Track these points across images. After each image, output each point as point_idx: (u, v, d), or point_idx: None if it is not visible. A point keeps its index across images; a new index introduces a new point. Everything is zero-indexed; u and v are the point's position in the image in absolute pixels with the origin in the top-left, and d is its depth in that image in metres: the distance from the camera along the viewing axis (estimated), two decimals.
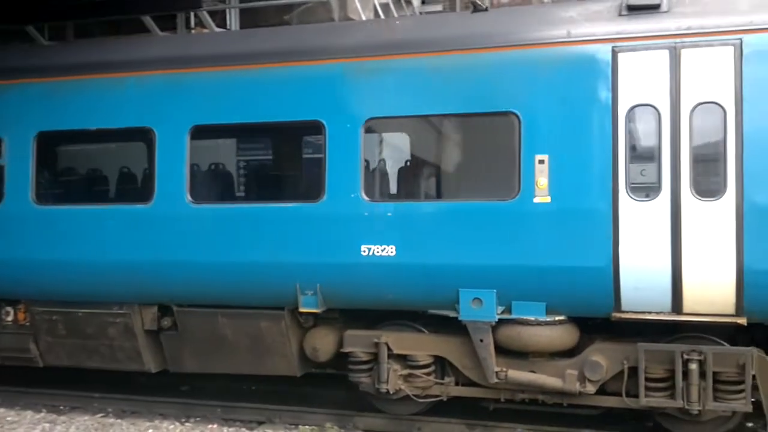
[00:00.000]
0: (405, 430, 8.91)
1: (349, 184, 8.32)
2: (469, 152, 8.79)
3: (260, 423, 9.22)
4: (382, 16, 11.65)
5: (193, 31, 11.24)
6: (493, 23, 8.44)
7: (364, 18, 11.13)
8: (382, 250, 8.17)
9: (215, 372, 9.44)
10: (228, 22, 11.61)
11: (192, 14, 11.17)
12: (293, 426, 9.04)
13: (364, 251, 8.22)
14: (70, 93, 9.53)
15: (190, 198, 8.89)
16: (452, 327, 8.32)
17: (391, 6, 11.98)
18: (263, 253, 8.60)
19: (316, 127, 8.57)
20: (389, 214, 8.23)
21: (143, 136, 9.33)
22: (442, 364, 8.60)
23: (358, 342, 8.71)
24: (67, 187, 10.47)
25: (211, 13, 10.91)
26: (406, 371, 8.55)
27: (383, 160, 9.24)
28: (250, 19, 11.71)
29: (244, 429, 9.00)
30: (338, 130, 8.42)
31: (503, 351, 8.21)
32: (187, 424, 9.24)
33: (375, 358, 8.64)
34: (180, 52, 9.49)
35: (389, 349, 8.53)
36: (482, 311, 7.98)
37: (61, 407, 10.12)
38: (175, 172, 8.94)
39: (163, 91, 9.18)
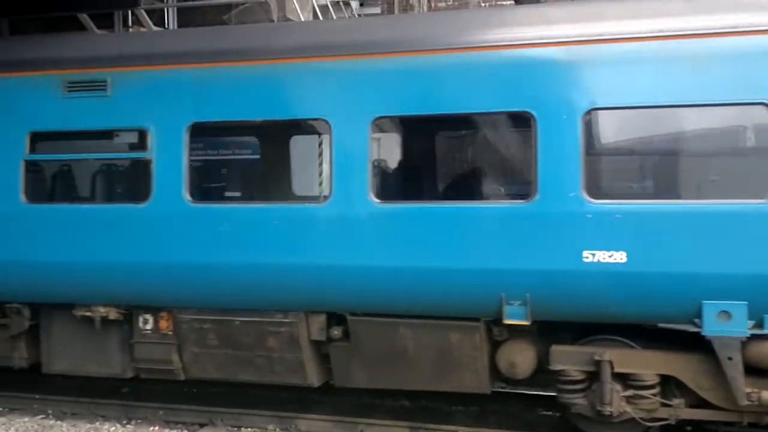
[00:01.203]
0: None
1: (567, 180, 7.48)
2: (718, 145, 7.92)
3: (202, 425, 9.28)
4: (321, 18, 11.78)
5: (130, 30, 11.22)
6: None
7: (303, 19, 11.24)
8: (610, 257, 7.39)
9: (389, 387, 8.87)
10: (166, 21, 11.61)
11: (130, 13, 11.15)
12: (235, 428, 9.11)
13: (587, 257, 7.44)
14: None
15: (374, 196, 8.07)
16: (672, 342, 7.70)
17: (330, 8, 12.09)
18: (461, 258, 7.79)
19: (523, 119, 7.79)
20: (618, 215, 7.38)
21: (312, 128, 9.25)
22: (668, 384, 7.82)
23: (571, 359, 7.90)
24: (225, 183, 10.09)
25: (149, 12, 10.91)
26: (629, 392, 7.77)
27: (611, 152, 8.27)
28: (188, 17, 11.72)
29: (186, 431, 9.11)
30: (551, 121, 7.57)
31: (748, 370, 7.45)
32: (128, 426, 9.30)
33: (590, 376, 7.91)
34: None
35: (611, 367, 7.79)
36: (731, 326, 7.20)
37: (0, 408, 10.07)
38: (356, 168, 8.14)
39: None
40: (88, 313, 9.21)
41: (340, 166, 8.09)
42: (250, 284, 8.44)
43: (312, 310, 8.55)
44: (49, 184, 10.16)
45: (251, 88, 8.41)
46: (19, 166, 9.15)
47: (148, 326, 9.23)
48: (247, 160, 11.56)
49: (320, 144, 10.10)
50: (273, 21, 10.62)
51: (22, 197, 9.16)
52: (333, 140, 8.11)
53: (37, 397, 10.25)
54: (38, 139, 9.27)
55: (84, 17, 10.41)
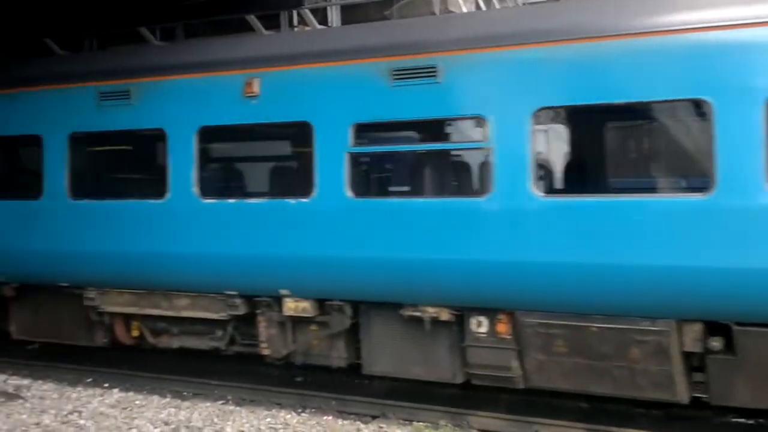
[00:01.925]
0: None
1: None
2: None
3: (374, 417, 9.47)
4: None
5: (295, 29, 11.55)
6: None
7: (464, 10, 11.21)
8: None
9: None
10: (329, 20, 11.85)
11: (295, 12, 11.46)
12: (407, 422, 9.24)
13: None
14: None
15: None
16: None
17: None
18: None
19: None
20: None
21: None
22: None
23: None
24: None
25: (313, 11, 11.17)
26: None
27: None
28: (351, 15, 11.92)
29: (358, 422, 9.32)
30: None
31: None
32: (303, 414, 9.65)
33: None
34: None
35: None
36: None
37: (185, 393, 10.68)
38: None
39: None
40: (417, 313, 8.91)
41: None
42: (612, 287, 7.78)
43: (685, 318, 7.78)
44: (375, 178, 10.31)
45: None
46: (342, 158, 9.09)
47: (482, 329, 8.72)
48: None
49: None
50: (435, 14, 10.66)
51: (347, 191, 9.06)
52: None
53: (216, 383, 10.81)
54: (363, 130, 9.16)
55: (251, 18, 10.76)
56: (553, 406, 9.32)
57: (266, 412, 9.71)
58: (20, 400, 10.32)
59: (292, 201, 9.40)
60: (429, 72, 8.65)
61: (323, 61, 9.35)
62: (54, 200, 11.01)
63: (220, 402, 10.26)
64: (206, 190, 10.01)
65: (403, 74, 8.77)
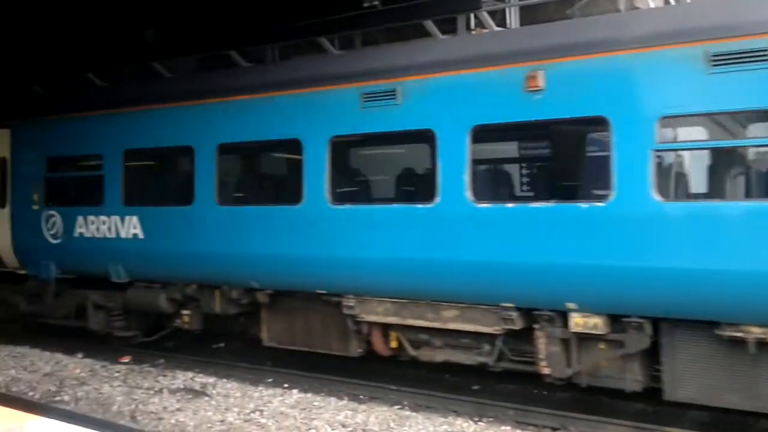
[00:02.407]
0: None
1: None
2: None
3: (554, 429, 9.17)
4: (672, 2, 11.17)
5: (472, 32, 11.43)
6: None
7: (652, 6, 10.71)
8: None
9: None
10: (508, 21, 11.66)
11: (472, 15, 11.35)
12: None
13: None
14: None
15: None
16: None
17: None
18: None
19: None
20: None
21: None
22: None
23: None
24: None
25: (491, 13, 11.02)
26: None
27: None
28: (530, 16, 11.67)
29: None
30: None
31: None
32: (480, 423, 9.44)
33: None
34: None
35: None
36: None
37: (361, 396, 10.75)
38: None
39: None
40: (739, 334, 7.87)
41: None
42: None
43: None
44: (681, 177, 8.92)
45: None
46: (647, 156, 8.16)
47: None
48: None
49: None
50: (619, 11, 10.22)
51: (653, 193, 8.10)
52: None
53: (393, 388, 10.81)
54: (671, 125, 8.29)
55: (428, 23, 10.74)
56: (748, 426, 8.72)
57: (442, 419, 9.56)
58: (206, 398, 10.71)
59: (583, 205, 8.60)
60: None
61: (629, 48, 8.43)
62: (313, 206, 10.70)
63: (397, 407, 10.23)
64: (480, 193, 9.40)
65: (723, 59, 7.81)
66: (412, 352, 10.53)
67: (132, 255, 12.75)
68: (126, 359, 13.14)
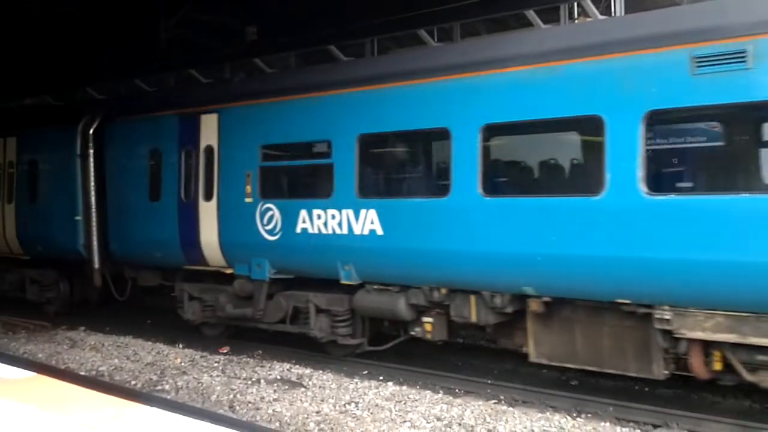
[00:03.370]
0: None
1: None
2: None
3: (656, 426, 8.84)
4: None
5: (576, 21, 11.20)
6: None
7: None
8: None
9: None
10: (612, 9, 11.37)
11: (575, 4, 11.12)
12: None
13: None
14: None
15: None
16: None
17: None
18: None
19: None
20: None
21: None
22: None
23: None
24: None
25: (595, 2, 10.78)
26: None
27: None
28: (637, 3, 11.36)
29: (638, 431, 8.73)
30: None
31: None
32: (578, 419, 9.19)
33: None
34: None
35: None
36: None
37: (456, 390, 10.61)
38: None
39: None
40: None
41: None
42: None
43: None
44: None
45: None
46: None
47: None
48: None
49: None
50: None
51: None
52: None
53: (489, 382, 10.65)
54: None
55: (530, 13, 10.59)
56: None
57: (539, 415, 9.33)
58: (302, 389, 10.76)
59: None
60: None
61: None
62: (621, 197, 8.79)
63: (493, 401, 10.04)
64: None
65: None
66: (749, 377, 8.60)
67: (367, 253, 11.12)
68: (225, 350, 13.31)
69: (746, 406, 8.97)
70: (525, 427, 8.88)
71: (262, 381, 11.18)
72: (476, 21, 11.79)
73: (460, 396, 10.32)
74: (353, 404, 9.95)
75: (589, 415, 9.34)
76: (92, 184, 14.67)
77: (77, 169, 15.04)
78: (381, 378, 11.24)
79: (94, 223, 14.67)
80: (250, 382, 11.11)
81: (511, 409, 9.64)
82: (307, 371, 11.65)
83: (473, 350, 10.78)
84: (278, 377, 11.41)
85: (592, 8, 10.49)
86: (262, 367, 12.04)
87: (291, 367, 11.93)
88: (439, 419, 9.25)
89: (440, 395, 10.29)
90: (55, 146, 15.71)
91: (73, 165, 15.10)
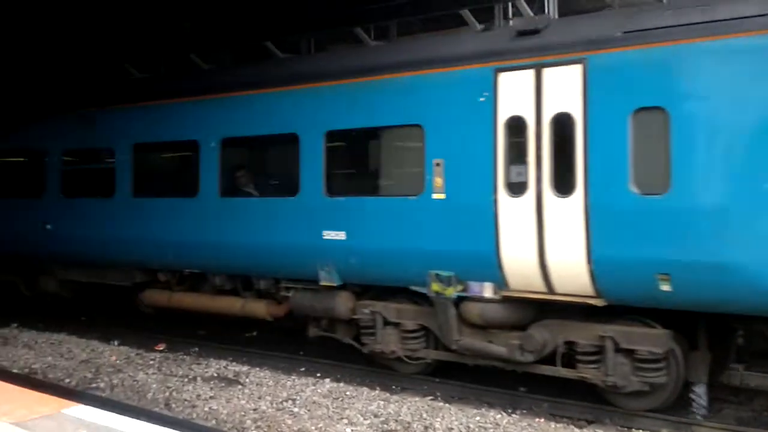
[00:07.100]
0: None
1: None
2: None
3: (590, 422, 9.04)
4: None
5: (510, 22, 11.32)
6: None
7: None
8: None
9: None
10: (546, 11, 11.51)
11: (510, 4, 11.24)
12: (625, 429, 8.77)
13: None
14: None
15: None
16: None
17: None
18: None
19: None
20: None
21: None
22: None
23: None
24: None
25: (529, 2, 10.90)
26: None
27: None
28: (569, 4, 11.55)
29: (572, 426, 8.92)
30: None
31: None
32: (514, 415, 9.35)
33: None
34: None
35: None
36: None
37: (393, 387, 10.69)
38: None
39: None
40: None
41: None
42: None
43: None
44: None
45: None
46: None
47: None
48: None
49: None
50: (663, 1, 10.03)
51: None
52: None
53: (426, 378, 10.75)
54: None
55: (465, 13, 10.66)
56: None
57: (475, 411, 9.49)
58: (239, 386, 10.73)
59: None
60: None
61: None
62: None
63: (429, 398, 10.17)
64: None
65: None
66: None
67: None
68: (161, 347, 13.18)
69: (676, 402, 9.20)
70: (461, 423, 9.01)
71: (198, 378, 11.12)
72: (410, 20, 11.80)
73: (397, 393, 10.44)
74: (290, 401, 9.98)
75: (525, 411, 9.52)
76: None
77: None
78: (318, 375, 11.28)
79: None
80: (186, 380, 11.05)
81: (447, 405, 9.77)
82: (244, 368, 11.63)
83: None
84: (215, 374, 11.37)
85: (526, 9, 10.61)
86: (198, 364, 11.97)
87: (228, 365, 11.88)
88: (376, 416, 9.34)
89: (377, 392, 10.39)
90: None
91: None
